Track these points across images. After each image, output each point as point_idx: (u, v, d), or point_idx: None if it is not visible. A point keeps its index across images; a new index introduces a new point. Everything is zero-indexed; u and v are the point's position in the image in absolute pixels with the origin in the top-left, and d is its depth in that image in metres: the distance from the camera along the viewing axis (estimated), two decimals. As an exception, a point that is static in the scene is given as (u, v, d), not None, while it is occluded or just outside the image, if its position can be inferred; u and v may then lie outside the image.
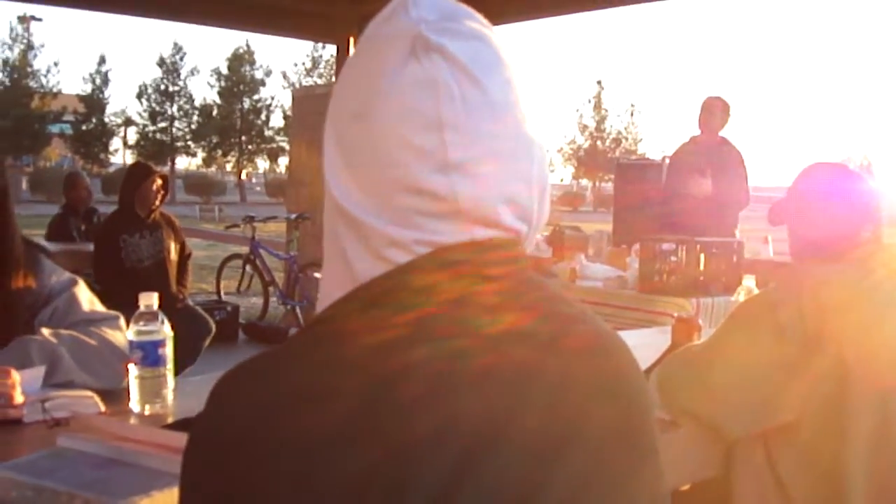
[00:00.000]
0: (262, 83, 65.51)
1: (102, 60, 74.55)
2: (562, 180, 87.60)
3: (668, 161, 8.61)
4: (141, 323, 2.29)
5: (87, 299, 2.68)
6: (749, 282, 3.76)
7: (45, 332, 2.46)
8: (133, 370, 2.31)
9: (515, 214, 1.04)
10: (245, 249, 12.00)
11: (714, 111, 7.43)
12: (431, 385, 0.91)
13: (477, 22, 1.06)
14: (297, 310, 10.40)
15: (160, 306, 2.39)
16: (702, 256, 5.63)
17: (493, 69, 1.02)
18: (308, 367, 0.95)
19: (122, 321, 2.63)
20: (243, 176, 67.84)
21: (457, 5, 1.06)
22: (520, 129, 1.03)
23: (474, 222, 1.00)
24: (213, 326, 7.23)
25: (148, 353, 2.29)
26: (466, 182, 0.98)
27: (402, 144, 0.98)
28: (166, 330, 2.32)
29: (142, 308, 2.31)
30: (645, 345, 3.04)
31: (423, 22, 1.00)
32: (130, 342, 2.31)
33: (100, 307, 2.72)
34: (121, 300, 3.03)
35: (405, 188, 0.98)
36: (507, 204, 1.02)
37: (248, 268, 12.04)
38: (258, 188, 69.66)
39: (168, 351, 2.33)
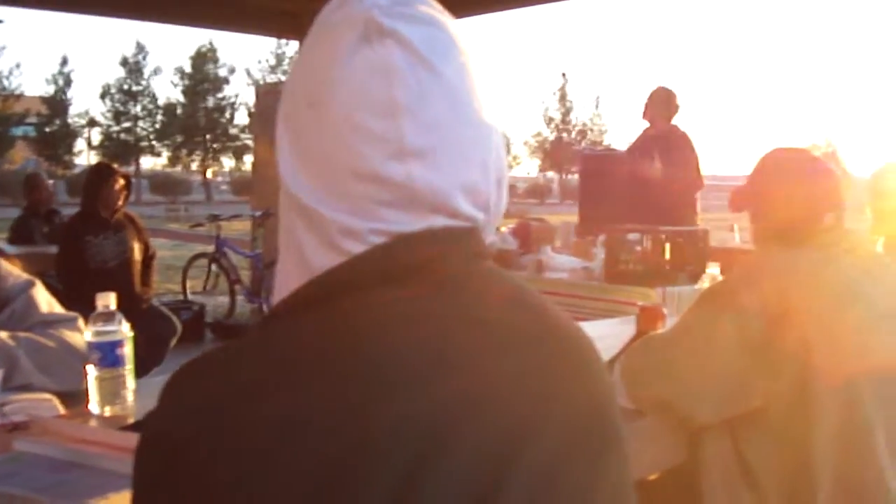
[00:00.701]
0: (226, 81, 65.41)
1: (65, 61, 74.74)
2: (528, 173, 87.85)
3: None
4: (98, 323, 2.27)
5: (44, 301, 2.65)
6: (713, 269, 3.76)
7: (3, 334, 2.42)
8: (92, 371, 2.28)
9: (473, 203, 1.02)
10: (211, 248, 11.94)
11: (659, 102, 7.57)
12: (388, 381, 0.89)
13: (431, 7, 1.04)
14: (264, 307, 10.35)
15: (126, 307, 2.37)
16: (667, 245, 5.64)
17: (449, 54, 1.01)
18: (263, 362, 0.92)
19: (81, 322, 2.60)
20: (209, 175, 67.64)
21: None
22: (477, 115, 1.02)
23: (431, 211, 0.98)
24: (180, 326, 7.18)
25: (106, 354, 2.27)
26: (423, 169, 0.97)
27: (356, 131, 0.96)
28: (125, 330, 2.30)
29: (99, 308, 2.28)
30: (610, 335, 3.04)
31: (375, 7, 0.99)
32: (88, 343, 2.28)
33: (58, 308, 2.68)
34: (86, 301, 3.00)
35: (360, 176, 0.96)
36: (464, 192, 1.00)
37: (213, 267, 11.97)
38: (224, 187, 69.35)
39: (127, 351, 2.30)
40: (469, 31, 1.03)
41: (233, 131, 65.86)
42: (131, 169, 60.71)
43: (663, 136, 7.48)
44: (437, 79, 0.98)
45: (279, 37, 10.73)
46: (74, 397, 2.38)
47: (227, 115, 65.48)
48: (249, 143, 57.65)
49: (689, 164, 7.40)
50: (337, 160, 0.97)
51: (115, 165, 7.61)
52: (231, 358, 0.95)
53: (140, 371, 2.38)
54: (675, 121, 7.61)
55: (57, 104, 60.63)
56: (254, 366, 0.92)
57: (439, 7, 1.06)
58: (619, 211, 7.14)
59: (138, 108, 62.87)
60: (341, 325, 0.94)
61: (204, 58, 64.23)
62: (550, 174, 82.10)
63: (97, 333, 2.26)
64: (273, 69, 63.52)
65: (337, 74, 0.97)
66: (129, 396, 2.31)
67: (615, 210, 7.25)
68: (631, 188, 7.57)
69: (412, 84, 0.96)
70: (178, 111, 64.48)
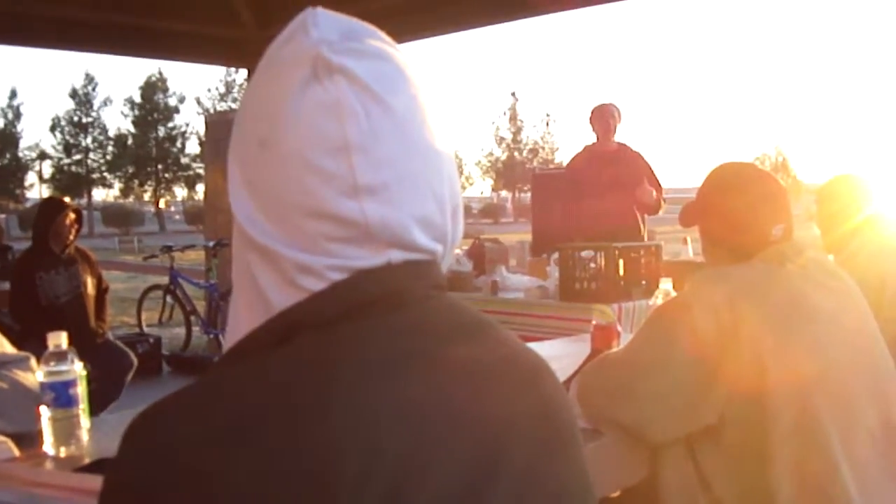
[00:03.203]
0: (177, 110, 65.55)
1: (14, 94, 74.19)
2: (482, 193, 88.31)
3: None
4: (51, 363, 2.24)
5: (-5, 342, 2.62)
6: (666, 284, 3.77)
7: (-47, 378, 2.39)
8: (45, 412, 2.25)
9: (430, 235, 1.01)
10: (165, 280, 11.87)
11: (607, 117, 7.41)
12: (354, 417, 0.88)
13: (379, 40, 1.03)
14: (221, 338, 10.28)
15: (80, 342, 2.34)
16: (621, 261, 5.67)
17: (398, 87, 0.99)
18: (229, 405, 0.90)
19: (34, 362, 2.57)
20: (161, 205, 67.38)
21: (359, 24, 1.03)
22: (429, 147, 1.01)
23: (388, 245, 0.97)
24: (136, 360, 7.10)
25: (59, 394, 2.24)
26: (376, 205, 0.95)
27: (308, 170, 0.94)
28: (77, 369, 2.27)
29: (50, 348, 2.26)
30: (565, 354, 3.05)
31: (323, 43, 0.97)
32: (41, 383, 2.26)
33: (9, 349, 2.66)
34: (41, 338, 2.98)
35: (313, 214, 0.95)
36: (419, 225, 0.99)
37: (168, 298, 11.91)
38: (177, 216, 69.22)
39: (80, 390, 2.27)
40: (419, 53, 1.02)
41: (184, 160, 65.88)
42: (83, 201, 60.45)
43: (612, 154, 7.38)
44: (387, 114, 0.97)
45: (226, 65, 10.66)
46: (28, 438, 2.35)
47: (179, 144, 65.52)
48: (202, 171, 57.59)
49: (650, 180, 7.31)
50: (289, 198, 0.96)
51: (67, 198, 7.53)
52: (195, 401, 0.93)
53: (97, 406, 2.36)
54: (617, 136, 7.51)
55: (6, 137, 60.41)
56: (219, 410, 0.90)
57: (389, 39, 1.05)
58: (571, 229, 7.12)
59: (89, 139, 62.76)
60: (306, 365, 0.93)
61: (154, 87, 64.19)
62: (504, 193, 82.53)
63: (49, 373, 2.24)
64: (223, 97, 63.58)
65: (287, 112, 0.96)
66: (84, 436, 2.28)
67: (567, 228, 7.24)
68: (576, 205, 7.47)
69: (363, 121, 0.95)
70: (129, 142, 64.40)
